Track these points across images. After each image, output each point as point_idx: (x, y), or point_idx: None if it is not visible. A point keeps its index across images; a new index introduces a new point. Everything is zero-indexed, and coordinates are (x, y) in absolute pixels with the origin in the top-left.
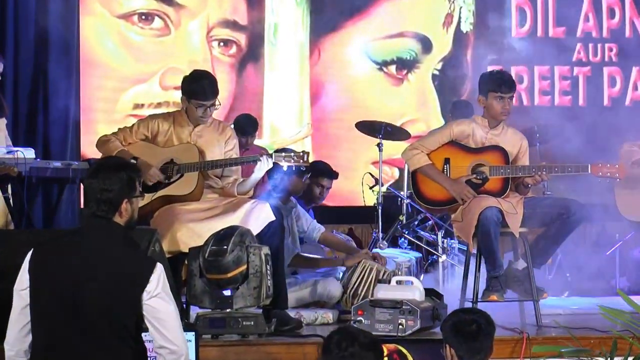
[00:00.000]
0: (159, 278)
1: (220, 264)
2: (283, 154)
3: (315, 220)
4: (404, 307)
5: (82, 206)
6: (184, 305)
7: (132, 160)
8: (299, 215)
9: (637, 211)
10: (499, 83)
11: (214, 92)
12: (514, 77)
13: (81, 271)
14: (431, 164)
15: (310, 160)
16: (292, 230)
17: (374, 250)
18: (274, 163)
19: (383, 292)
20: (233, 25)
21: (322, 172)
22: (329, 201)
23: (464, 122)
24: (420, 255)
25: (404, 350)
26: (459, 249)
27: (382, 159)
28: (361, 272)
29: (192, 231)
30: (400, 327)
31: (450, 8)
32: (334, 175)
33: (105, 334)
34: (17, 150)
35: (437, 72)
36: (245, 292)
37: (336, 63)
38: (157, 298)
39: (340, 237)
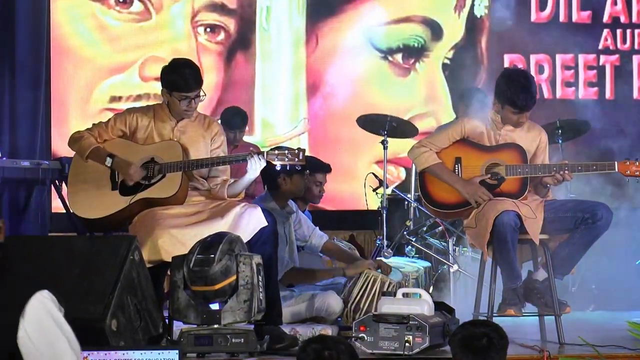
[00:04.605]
0: None
1: (207, 275)
2: (276, 151)
3: (317, 228)
4: (411, 322)
5: (53, 210)
6: (167, 321)
7: (109, 159)
8: (300, 222)
9: None
10: (521, 100)
11: (198, 81)
12: (533, 68)
13: None
14: (441, 164)
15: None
16: (290, 240)
17: (378, 258)
18: (266, 162)
19: (388, 306)
20: (221, 8)
21: (316, 167)
22: (327, 205)
23: (477, 118)
24: (429, 264)
25: None
26: (472, 257)
27: (386, 158)
28: (364, 283)
29: (176, 238)
30: (407, 344)
31: None
32: (327, 168)
33: None
34: None
35: (448, 61)
36: (235, 306)
37: (336, 51)
38: None
39: (342, 246)
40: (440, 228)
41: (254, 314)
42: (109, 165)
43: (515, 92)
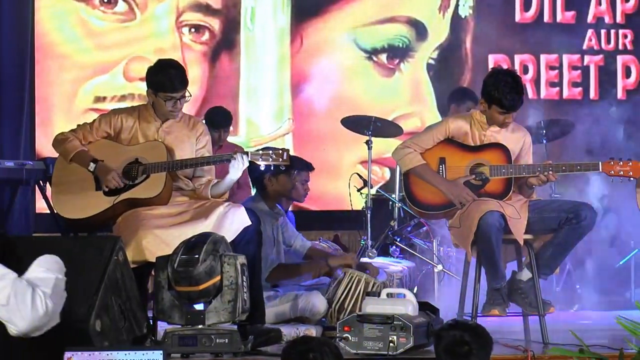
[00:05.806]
0: None
1: (191, 275)
2: (260, 151)
3: (301, 234)
4: (395, 322)
5: (37, 211)
6: (151, 321)
7: (92, 163)
8: (287, 226)
9: None
10: (509, 100)
11: (183, 82)
12: (518, 68)
13: None
14: (425, 164)
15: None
16: (277, 240)
17: (362, 259)
18: (250, 162)
19: (372, 306)
20: (205, 9)
21: (302, 166)
22: (312, 205)
23: (461, 118)
24: (414, 264)
25: None
26: (456, 258)
27: (371, 158)
28: (348, 283)
29: (160, 239)
30: (391, 344)
31: None
32: (311, 167)
33: None
34: None
35: (432, 62)
36: (219, 306)
37: (320, 51)
38: None
39: (327, 247)
40: (424, 228)
41: (238, 314)
42: (92, 170)
43: (503, 92)
